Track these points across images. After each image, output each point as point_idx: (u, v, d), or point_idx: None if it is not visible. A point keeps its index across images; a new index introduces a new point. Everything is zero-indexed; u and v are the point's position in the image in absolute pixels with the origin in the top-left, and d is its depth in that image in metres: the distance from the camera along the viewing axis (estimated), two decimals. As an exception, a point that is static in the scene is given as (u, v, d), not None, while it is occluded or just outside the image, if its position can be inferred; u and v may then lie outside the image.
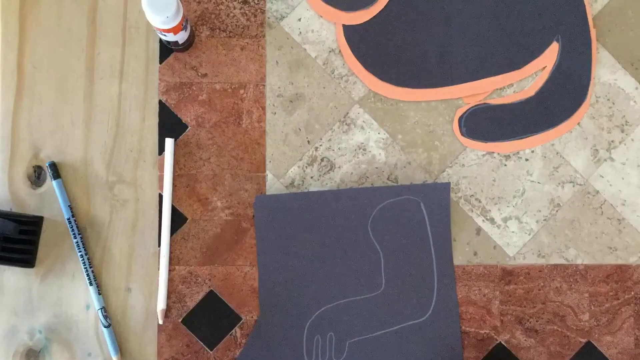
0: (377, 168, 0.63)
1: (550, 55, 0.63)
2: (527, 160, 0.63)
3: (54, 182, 0.61)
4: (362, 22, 0.63)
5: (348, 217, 0.57)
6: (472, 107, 0.63)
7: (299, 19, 0.63)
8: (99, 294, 0.60)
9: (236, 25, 0.63)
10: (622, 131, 0.63)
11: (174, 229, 0.61)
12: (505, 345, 0.62)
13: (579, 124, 0.63)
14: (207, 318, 0.61)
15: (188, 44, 0.61)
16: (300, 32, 0.63)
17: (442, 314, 0.58)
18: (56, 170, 0.61)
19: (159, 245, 0.61)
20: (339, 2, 0.63)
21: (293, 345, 0.57)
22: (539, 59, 0.63)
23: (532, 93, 0.63)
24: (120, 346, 0.61)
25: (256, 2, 0.63)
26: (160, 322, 0.60)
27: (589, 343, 0.62)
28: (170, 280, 0.61)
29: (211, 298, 0.61)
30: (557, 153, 0.63)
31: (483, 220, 0.63)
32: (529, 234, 0.63)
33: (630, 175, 0.63)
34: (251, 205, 0.62)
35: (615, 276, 0.62)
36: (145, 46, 0.63)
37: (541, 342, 0.62)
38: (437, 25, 0.63)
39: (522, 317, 0.62)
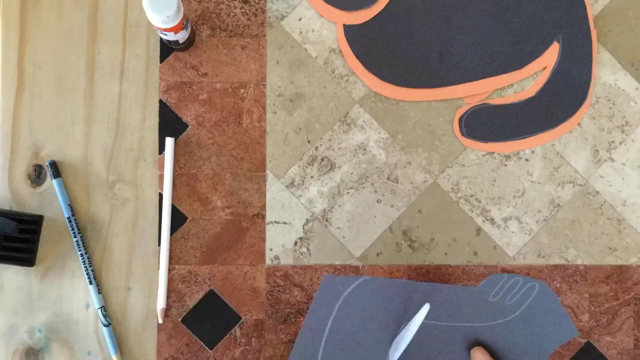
0: (377, 168, 0.63)
1: (550, 56, 0.63)
2: (527, 160, 0.63)
3: (54, 181, 0.61)
4: (362, 21, 0.63)
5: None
6: (473, 107, 0.63)
7: (300, 19, 0.63)
8: (99, 293, 0.60)
9: (237, 24, 0.63)
10: (623, 132, 0.63)
11: (174, 228, 0.61)
12: (504, 345, 0.62)
13: (579, 124, 0.63)
14: (207, 317, 0.61)
15: (188, 44, 0.61)
16: (301, 32, 0.63)
17: None
18: (56, 169, 0.61)
19: (159, 244, 0.61)
20: (340, 1, 0.63)
21: None
22: (540, 59, 0.63)
23: (532, 93, 0.63)
24: (120, 345, 0.61)
25: (257, 1, 0.63)
26: (160, 321, 0.60)
27: (588, 343, 0.62)
28: (170, 280, 0.61)
29: (211, 297, 0.61)
30: (558, 153, 0.63)
31: (483, 221, 0.63)
32: (529, 234, 0.63)
33: (631, 176, 0.63)
34: (251, 205, 0.62)
35: (615, 277, 0.62)
36: (145, 45, 0.63)
37: (541, 343, 0.62)
38: (437, 25, 0.63)
39: (521, 317, 0.62)
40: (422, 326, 0.50)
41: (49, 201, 0.61)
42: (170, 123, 0.62)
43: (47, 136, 0.62)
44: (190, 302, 0.61)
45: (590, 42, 0.63)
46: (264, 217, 0.62)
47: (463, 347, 0.51)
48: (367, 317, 0.50)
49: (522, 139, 0.63)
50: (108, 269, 0.61)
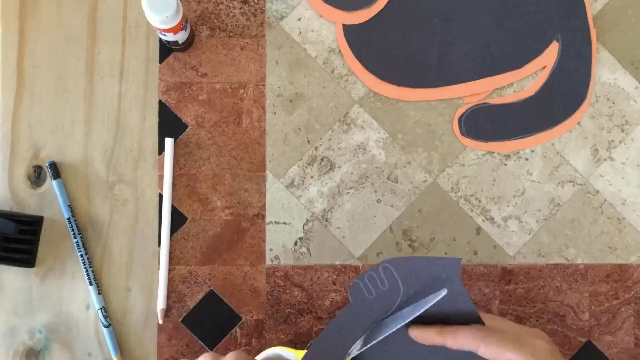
0: (377, 168, 0.63)
1: (550, 55, 0.63)
2: (527, 159, 0.63)
3: (54, 182, 0.61)
4: (362, 21, 0.63)
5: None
6: (472, 106, 0.63)
7: (299, 19, 0.63)
8: (99, 293, 0.60)
9: (236, 25, 0.63)
10: (622, 131, 0.63)
11: (174, 228, 0.61)
12: (505, 344, 0.62)
13: (579, 123, 0.63)
14: (207, 318, 0.61)
15: (188, 44, 0.61)
16: (300, 32, 0.63)
17: None
18: (56, 169, 0.61)
19: (159, 245, 0.61)
20: (339, 1, 0.63)
21: None
22: (539, 58, 0.63)
23: (532, 93, 0.63)
24: (120, 346, 0.61)
25: (256, 1, 0.63)
26: (160, 321, 0.60)
27: (589, 343, 0.62)
28: (170, 280, 0.61)
29: (211, 298, 0.61)
30: (557, 152, 0.63)
31: (483, 220, 0.63)
32: (529, 234, 0.63)
33: (630, 175, 0.63)
34: (251, 205, 0.62)
35: (615, 276, 0.62)
36: (145, 46, 0.63)
37: (541, 342, 0.62)
38: (436, 24, 0.63)
39: (522, 316, 0.62)
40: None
41: (49, 202, 0.61)
42: (169, 123, 0.62)
43: (46, 137, 0.62)
44: (191, 303, 0.61)
45: (590, 41, 0.63)
46: (263, 217, 0.62)
47: (406, 344, 0.50)
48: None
49: (521, 138, 0.63)
50: (108, 269, 0.61)
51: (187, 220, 0.62)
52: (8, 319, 0.60)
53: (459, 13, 0.63)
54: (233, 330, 0.61)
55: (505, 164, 0.63)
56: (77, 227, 0.60)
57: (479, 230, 0.62)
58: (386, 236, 0.62)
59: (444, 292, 0.46)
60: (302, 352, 0.50)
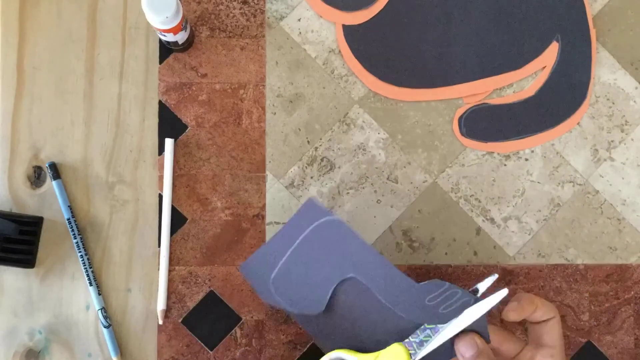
0: (377, 168, 0.63)
1: (550, 55, 0.63)
2: (527, 160, 0.63)
3: (54, 183, 0.61)
4: (362, 22, 0.63)
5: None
6: (472, 107, 0.63)
7: (299, 19, 0.63)
8: (99, 294, 0.60)
9: (236, 25, 0.63)
10: (622, 131, 0.63)
11: (173, 229, 0.61)
12: (505, 345, 0.62)
13: (578, 123, 0.63)
14: (207, 318, 0.61)
15: (188, 44, 0.61)
16: (300, 32, 0.63)
17: None
18: (56, 170, 0.61)
19: (159, 245, 0.61)
20: (339, 2, 0.63)
21: None
22: (539, 58, 0.63)
23: (532, 93, 0.63)
24: (120, 346, 0.61)
25: (256, 2, 0.63)
26: (160, 322, 0.60)
27: (589, 343, 0.62)
28: (170, 281, 0.61)
29: (211, 298, 0.61)
30: (557, 153, 0.63)
31: (483, 220, 0.63)
32: (529, 234, 0.63)
33: (630, 175, 0.63)
34: (251, 205, 0.62)
35: (615, 276, 0.62)
36: (145, 46, 0.63)
37: (541, 342, 0.62)
38: (436, 24, 0.63)
39: (522, 317, 0.62)
40: (364, 288, 0.48)
41: (48, 203, 0.61)
42: (169, 124, 0.62)
43: (46, 138, 0.62)
44: (191, 303, 0.61)
45: (590, 41, 0.63)
46: (264, 217, 0.62)
47: (388, 330, 0.49)
48: (319, 259, 0.49)
49: (521, 138, 0.63)
50: (108, 270, 0.61)
51: (187, 221, 0.62)
52: (8, 320, 0.60)
53: (459, 13, 0.63)
54: (233, 330, 0.61)
55: (505, 164, 0.63)
56: (77, 227, 0.60)
57: (478, 230, 0.62)
58: (386, 236, 0.62)
59: (505, 292, 0.46)
60: (363, 355, 0.48)
